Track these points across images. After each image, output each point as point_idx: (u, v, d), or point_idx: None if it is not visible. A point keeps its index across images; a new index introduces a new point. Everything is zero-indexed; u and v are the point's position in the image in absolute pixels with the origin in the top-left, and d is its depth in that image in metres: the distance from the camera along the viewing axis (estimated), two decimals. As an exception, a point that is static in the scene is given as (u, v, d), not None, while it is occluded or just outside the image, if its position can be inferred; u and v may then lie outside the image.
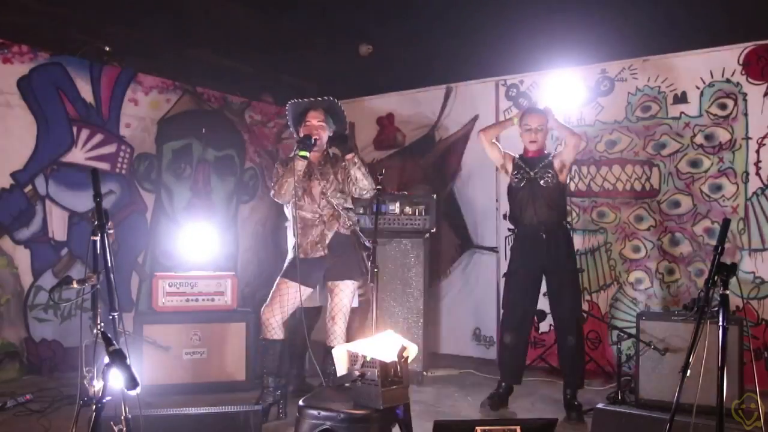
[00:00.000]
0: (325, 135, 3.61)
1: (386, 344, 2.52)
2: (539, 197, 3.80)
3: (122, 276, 5.07)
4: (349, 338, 3.65)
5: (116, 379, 1.80)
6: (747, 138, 4.45)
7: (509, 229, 4.07)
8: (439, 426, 2.64)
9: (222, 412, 3.05)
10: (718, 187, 4.54)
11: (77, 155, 4.87)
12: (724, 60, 4.53)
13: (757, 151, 4.41)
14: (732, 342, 3.32)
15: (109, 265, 2.15)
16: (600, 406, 3.14)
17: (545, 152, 3.94)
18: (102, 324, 2.02)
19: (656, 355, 3.67)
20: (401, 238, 4.61)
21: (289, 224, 3.71)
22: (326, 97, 3.63)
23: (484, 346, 5.35)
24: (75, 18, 4.74)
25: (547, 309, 3.98)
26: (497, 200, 5.31)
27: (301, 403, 2.56)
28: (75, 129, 4.86)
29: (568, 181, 4.88)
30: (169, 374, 4.11)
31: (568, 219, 4.83)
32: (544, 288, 3.92)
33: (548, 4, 4.53)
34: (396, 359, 2.47)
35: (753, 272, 4.38)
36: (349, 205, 3.69)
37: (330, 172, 3.62)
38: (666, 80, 4.74)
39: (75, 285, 2.17)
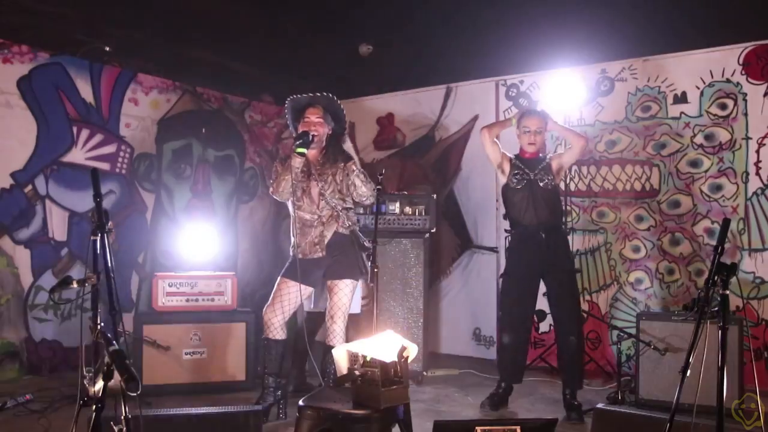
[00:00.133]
0: (323, 131, 3.58)
1: (386, 344, 2.52)
2: (539, 199, 3.80)
3: (122, 276, 5.07)
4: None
5: (116, 380, 1.80)
6: (747, 138, 4.45)
7: (506, 230, 4.07)
8: (439, 426, 2.64)
9: (222, 412, 3.05)
10: (718, 187, 4.54)
11: (77, 155, 4.87)
12: (724, 60, 4.54)
13: (757, 151, 4.42)
14: (732, 342, 3.32)
15: (109, 265, 2.14)
16: (600, 406, 3.14)
17: (541, 155, 3.94)
18: (102, 324, 2.02)
19: (656, 355, 3.67)
20: (401, 238, 4.62)
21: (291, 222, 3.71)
22: (325, 93, 3.60)
23: (484, 346, 5.35)
24: (75, 18, 4.74)
25: (547, 309, 3.98)
26: (497, 200, 5.30)
27: (301, 403, 2.56)
28: (75, 129, 4.86)
29: (566, 180, 4.92)
30: (169, 374, 4.11)
31: (568, 219, 4.87)
32: (542, 288, 3.92)
33: (548, 4, 4.53)
34: (396, 359, 2.46)
35: (753, 272, 4.38)
36: (349, 204, 3.67)
37: (328, 173, 3.59)
38: (666, 80, 4.75)
39: (75, 285, 2.17)
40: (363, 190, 3.58)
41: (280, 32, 5.22)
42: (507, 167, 3.92)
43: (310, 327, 4.05)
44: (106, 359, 1.83)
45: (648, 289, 4.77)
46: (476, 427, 2.59)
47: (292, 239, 3.63)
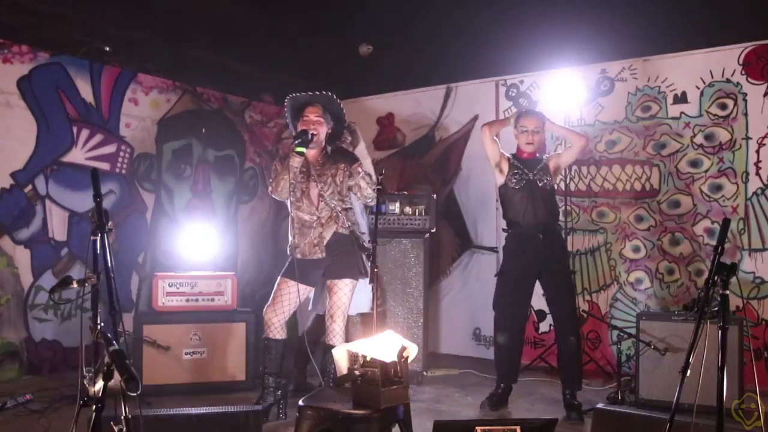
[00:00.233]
0: (323, 130, 3.56)
1: (386, 344, 2.52)
2: (538, 199, 3.80)
3: (122, 276, 5.07)
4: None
5: (116, 380, 1.80)
6: (747, 138, 4.45)
7: (503, 229, 4.06)
8: (439, 426, 2.63)
9: (222, 412, 3.05)
10: (718, 187, 4.54)
11: (77, 155, 4.87)
12: (724, 60, 4.54)
13: (757, 151, 4.42)
14: (732, 342, 3.32)
15: (109, 265, 2.14)
16: (600, 406, 3.14)
17: (539, 155, 3.94)
18: (102, 324, 2.02)
19: (656, 355, 3.67)
20: (401, 238, 4.61)
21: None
22: (324, 92, 3.59)
23: (484, 346, 5.35)
24: (75, 18, 4.74)
25: (546, 310, 3.98)
26: (497, 200, 5.29)
27: (301, 403, 2.56)
28: (75, 129, 4.86)
29: (566, 180, 4.92)
30: (169, 374, 4.11)
31: (568, 219, 4.88)
32: (539, 289, 3.92)
33: (548, 4, 4.54)
34: (396, 359, 2.46)
35: (753, 272, 4.38)
36: (348, 205, 3.66)
37: (328, 174, 3.57)
38: (666, 80, 4.75)
39: (75, 285, 2.17)
40: (368, 191, 3.57)
41: (280, 32, 5.23)
42: (505, 167, 3.91)
43: (318, 329, 4.03)
44: (106, 359, 1.83)
45: (648, 289, 4.77)
46: (476, 427, 2.59)
47: (290, 239, 3.62)
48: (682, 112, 4.69)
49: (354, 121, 4.42)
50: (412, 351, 2.58)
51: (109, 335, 1.95)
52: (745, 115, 4.46)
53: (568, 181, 4.94)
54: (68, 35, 4.88)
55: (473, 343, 5.43)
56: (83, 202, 4.83)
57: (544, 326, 5.00)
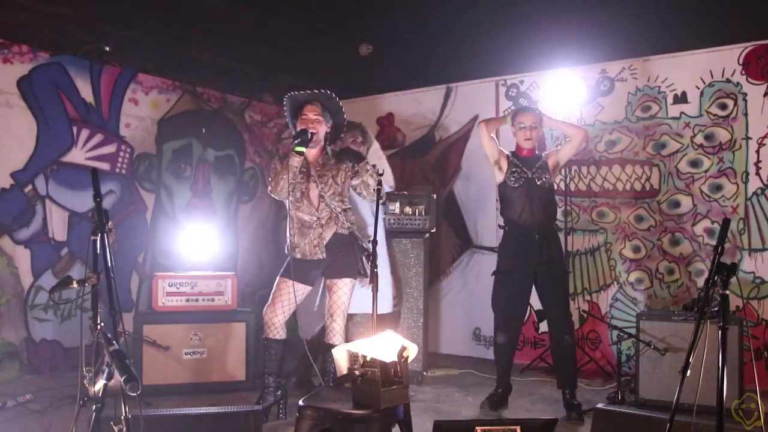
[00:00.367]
0: (322, 129, 3.54)
1: (386, 344, 2.52)
2: (535, 198, 3.80)
3: (122, 276, 5.07)
4: None
5: (116, 380, 1.80)
6: (747, 138, 4.45)
7: (500, 226, 4.06)
8: (439, 426, 2.64)
9: (222, 412, 3.05)
10: (718, 187, 4.54)
11: (77, 155, 4.87)
12: (724, 60, 4.54)
13: (757, 151, 4.42)
14: (732, 342, 3.32)
15: (109, 265, 2.14)
16: (600, 406, 3.14)
17: (537, 152, 3.94)
18: (102, 324, 2.02)
19: (656, 355, 3.67)
20: (401, 238, 4.61)
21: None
22: (323, 90, 3.57)
23: (484, 346, 5.35)
24: (75, 18, 4.74)
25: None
26: (497, 200, 5.30)
27: (301, 403, 2.56)
28: (75, 129, 4.86)
29: (566, 180, 4.92)
30: (169, 374, 4.11)
31: (568, 219, 4.88)
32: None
33: (548, 4, 4.53)
34: (396, 359, 2.46)
35: (753, 272, 4.38)
36: (348, 205, 3.66)
37: (329, 175, 3.56)
38: (666, 80, 4.75)
39: (75, 285, 2.17)
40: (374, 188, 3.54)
41: (280, 32, 5.22)
42: (504, 164, 3.91)
43: (320, 337, 4.02)
44: (106, 359, 1.83)
45: (648, 289, 4.77)
46: (476, 427, 2.59)
47: (288, 239, 3.61)
48: (682, 112, 4.69)
49: (356, 121, 4.42)
50: (412, 351, 2.58)
51: (109, 335, 1.96)
52: (745, 115, 4.47)
53: (568, 181, 4.94)
54: (68, 35, 4.88)
55: (473, 343, 5.43)
56: (83, 202, 4.83)
57: (544, 326, 4.99)
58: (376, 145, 4.41)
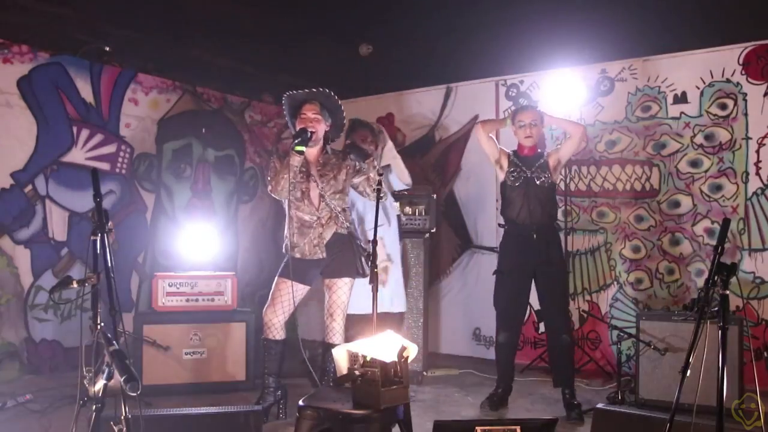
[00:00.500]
0: (321, 127, 3.54)
1: (386, 344, 2.52)
2: (534, 197, 3.80)
3: (122, 276, 5.07)
4: None
5: (116, 380, 1.80)
6: (747, 138, 4.45)
7: (500, 225, 4.06)
8: (439, 426, 2.64)
9: (222, 412, 3.05)
10: (718, 187, 4.54)
11: (77, 155, 4.87)
12: (724, 60, 4.54)
13: (757, 151, 4.42)
14: (732, 342, 3.32)
15: (109, 265, 2.14)
16: (600, 406, 3.14)
17: (539, 151, 3.95)
18: (102, 324, 2.02)
19: (656, 355, 3.67)
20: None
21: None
22: (321, 89, 3.57)
23: (484, 346, 5.35)
24: (75, 18, 4.74)
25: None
26: (497, 200, 5.30)
27: (301, 403, 2.56)
28: (75, 129, 4.86)
29: (566, 180, 4.93)
30: (169, 374, 4.11)
31: (568, 219, 4.88)
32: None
33: (548, 4, 4.53)
34: (396, 359, 2.46)
35: (753, 272, 4.38)
36: (347, 205, 3.66)
37: (330, 175, 3.56)
38: (666, 80, 4.75)
39: (75, 285, 2.17)
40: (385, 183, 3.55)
41: (280, 32, 5.22)
42: (505, 163, 3.92)
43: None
44: (106, 359, 1.83)
45: (648, 289, 4.77)
46: (476, 427, 2.59)
47: (286, 238, 3.61)
48: (682, 112, 4.69)
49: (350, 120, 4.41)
50: (412, 351, 2.58)
51: (109, 335, 1.96)
52: (745, 115, 4.46)
53: (568, 181, 4.94)
54: (68, 35, 4.88)
55: (473, 343, 5.43)
56: (83, 202, 4.83)
57: (544, 326, 4.99)
58: (390, 145, 4.37)
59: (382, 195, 3.39)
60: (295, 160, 3.44)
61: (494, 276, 3.97)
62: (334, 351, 2.76)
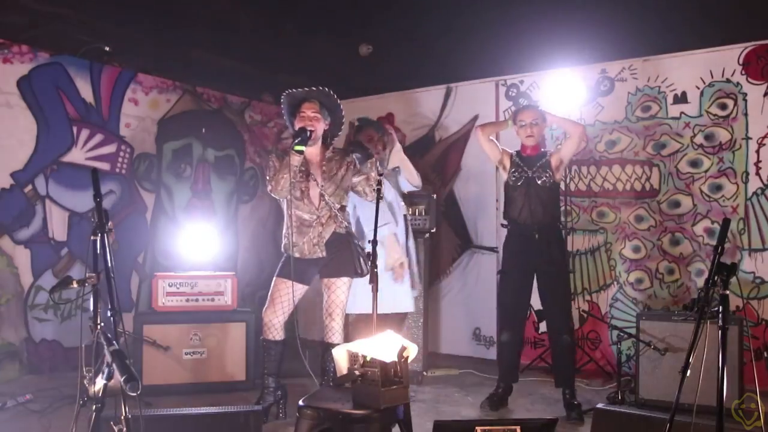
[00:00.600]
0: (320, 126, 3.54)
1: (386, 344, 2.52)
2: (535, 197, 3.80)
3: (122, 276, 5.07)
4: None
5: (116, 380, 1.80)
6: (747, 138, 4.45)
7: (502, 224, 4.07)
8: (439, 426, 2.63)
9: (222, 412, 3.05)
10: (718, 187, 4.54)
11: (77, 155, 4.87)
12: (724, 60, 4.53)
13: (757, 151, 4.42)
14: (732, 342, 3.32)
15: (109, 265, 2.14)
16: (600, 406, 3.14)
17: (542, 150, 3.95)
18: (102, 324, 2.02)
19: (656, 355, 3.67)
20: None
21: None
22: (320, 87, 3.56)
23: (484, 346, 5.35)
24: (75, 18, 4.74)
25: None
26: (497, 200, 5.30)
27: (301, 403, 2.56)
28: (75, 129, 4.86)
29: (566, 180, 4.93)
30: (169, 374, 4.11)
31: (568, 219, 4.87)
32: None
33: (548, 4, 4.54)
34: (396, 359, 2.46)
35: (753, 272, 4.38)
36: (345, 203, 3.65)
37: (329, 173, 3.56)
38: (666, 80, 4.74)
39: (75, 285, 2.17)
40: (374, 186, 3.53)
41: (280, 32, 5.23)
42: (508, 163, 3.94)
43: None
44: (106, 359, 1.83)
45: (648, 289, 4.77)
46: (476, 427, 2.59)
47: (285, 238, 3.60)
48: (682, 112, 4.69)
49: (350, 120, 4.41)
50: (412, 351, 2.58)
51: (109, 335, 1.95)
52: (745, 115, 4.46)
53: (568, 181, 4.94)
54: (68, 35, 4.88)
55: (473, 343, 5.43)
56: (83, 202, 4.83)
57: (544, 326, 4.99)
58: (398, 146, 4.34)
59: (381, 195, 3.39)
60: (295, 160, 3.43)
61: (497, 276, 3.97)
62: (334, 351, 2.75)
